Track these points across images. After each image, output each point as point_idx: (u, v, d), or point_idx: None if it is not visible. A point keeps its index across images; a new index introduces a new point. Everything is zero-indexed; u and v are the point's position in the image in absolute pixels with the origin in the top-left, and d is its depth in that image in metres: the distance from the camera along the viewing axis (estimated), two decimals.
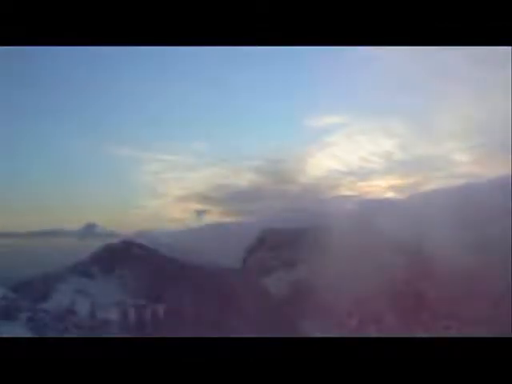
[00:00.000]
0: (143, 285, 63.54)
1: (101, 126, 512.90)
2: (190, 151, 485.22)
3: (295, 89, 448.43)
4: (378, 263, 72.02)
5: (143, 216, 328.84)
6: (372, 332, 65.61)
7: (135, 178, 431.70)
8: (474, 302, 62.57)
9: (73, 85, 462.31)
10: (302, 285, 76.40)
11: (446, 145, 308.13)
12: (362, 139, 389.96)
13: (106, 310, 56.03)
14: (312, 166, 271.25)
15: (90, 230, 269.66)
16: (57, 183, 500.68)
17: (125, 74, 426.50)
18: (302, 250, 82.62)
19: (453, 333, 61.05)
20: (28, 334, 46.66)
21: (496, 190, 78.93)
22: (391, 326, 65.14)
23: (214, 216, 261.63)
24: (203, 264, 73.46)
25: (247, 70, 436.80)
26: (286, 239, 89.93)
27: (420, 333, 60.63)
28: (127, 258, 70.07)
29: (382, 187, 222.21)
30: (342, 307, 69.33)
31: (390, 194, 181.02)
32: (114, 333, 52.18)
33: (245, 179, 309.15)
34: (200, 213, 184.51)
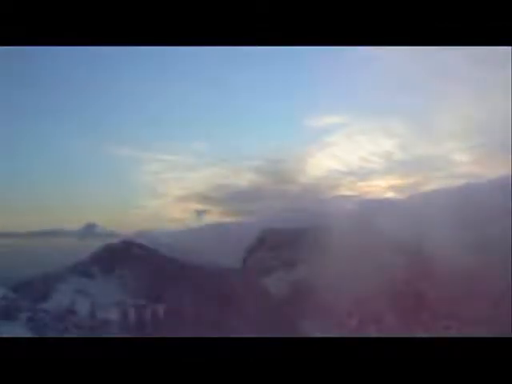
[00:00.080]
0: (143, 285, 63.50)
1: (101, 126, 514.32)
2: (190, 151, 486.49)
3: (295, 89, 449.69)
4: (378, 263, 72.01)
5: (143, 216, 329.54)
6: (372, 332, 65.59)
7: (135, 178, 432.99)
8: (474, 302, 62.59)
9: (73, 85, 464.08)
10: (302, 285, 76.36)
11: (446, 145, 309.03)
12: (362, 139, 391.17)
13: (105, 310, 55.98)
14: (312, 166, 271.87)
15: (89, 230, 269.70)
16: (57, 183, 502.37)
17: (125, 74, 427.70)
18: (302, 250, 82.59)
19: (453, 333, 61.06)
20: (28, 334, 46.63)
21: (496, 190, 79.00)
22: (391, 326, 65.13)
23: (213, 216, 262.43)
24: (203, 264, 73.39)
25: (247, 70, 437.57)
26: (286, 239, 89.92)
27: (420, 333, 60.61)
28: (127, 258, 70.00)
29: (381, 187, 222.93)
30: (341, 307, 69.32)
31: (390, 194, 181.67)
32: (114, 333, 52.13)
33: (245, 179, 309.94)
34: (200, 213, 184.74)
